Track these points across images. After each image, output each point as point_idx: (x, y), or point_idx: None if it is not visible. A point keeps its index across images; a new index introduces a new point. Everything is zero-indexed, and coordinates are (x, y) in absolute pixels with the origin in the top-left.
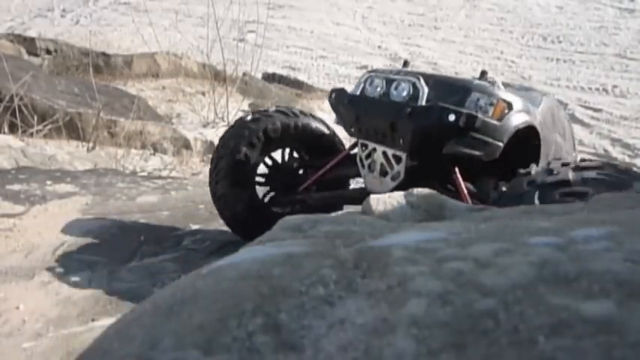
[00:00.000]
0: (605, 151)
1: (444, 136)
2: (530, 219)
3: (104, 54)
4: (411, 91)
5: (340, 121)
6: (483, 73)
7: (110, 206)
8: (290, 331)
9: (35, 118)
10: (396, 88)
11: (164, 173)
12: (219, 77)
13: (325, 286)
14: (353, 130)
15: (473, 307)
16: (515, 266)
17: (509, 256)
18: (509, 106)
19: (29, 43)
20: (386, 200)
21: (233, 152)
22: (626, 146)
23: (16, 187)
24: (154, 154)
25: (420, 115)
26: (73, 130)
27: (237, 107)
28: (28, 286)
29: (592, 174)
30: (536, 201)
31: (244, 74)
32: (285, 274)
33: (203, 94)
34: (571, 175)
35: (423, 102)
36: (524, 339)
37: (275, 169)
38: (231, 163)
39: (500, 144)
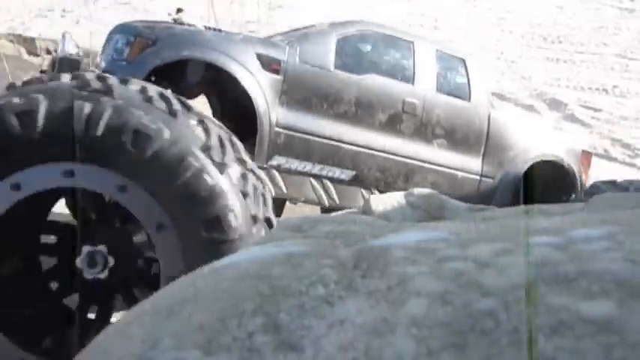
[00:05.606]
0: (605, 151)
1: None
2: (530, 219)
3: None
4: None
5: None
6: (179, 11)
7: None
8: (290, 331)
9: None
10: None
11: None
12: None
13: (325, 286)
14: None
15: (473, 307)
16: (515, 266)
17: (509, 256)
18: (153, 41)
19: (29, 43)
20: (386, 200)
21: None
22: (626, 146)
23: None
24: None
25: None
26: None
27: None
28: None
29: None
30: None
31: None
32: (285, 274)
33: None
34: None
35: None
36: (525, 339)
37: None
38: None
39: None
